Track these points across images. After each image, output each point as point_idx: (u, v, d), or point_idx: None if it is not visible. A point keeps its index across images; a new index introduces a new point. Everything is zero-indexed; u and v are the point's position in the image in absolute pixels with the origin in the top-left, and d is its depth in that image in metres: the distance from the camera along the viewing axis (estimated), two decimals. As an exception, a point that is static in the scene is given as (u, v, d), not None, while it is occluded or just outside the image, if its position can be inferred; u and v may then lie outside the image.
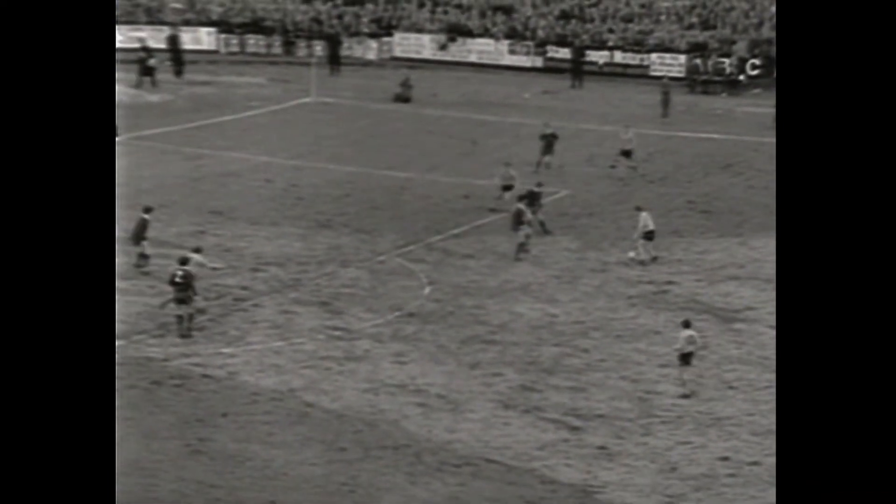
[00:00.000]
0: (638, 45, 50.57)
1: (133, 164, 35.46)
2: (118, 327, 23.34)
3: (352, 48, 53.77)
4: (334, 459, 19.27)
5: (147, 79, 46.43)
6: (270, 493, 18.28)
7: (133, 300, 25.10)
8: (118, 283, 25.30)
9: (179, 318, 23.82)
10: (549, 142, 35.22)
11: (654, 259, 28.51)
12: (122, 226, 23.69)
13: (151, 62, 46.81)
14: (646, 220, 28.62)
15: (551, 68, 50.65)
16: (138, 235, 27.28)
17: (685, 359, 22.09)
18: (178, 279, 23.91)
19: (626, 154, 35.49)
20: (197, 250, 25.69)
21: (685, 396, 21.87)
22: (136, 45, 48.04)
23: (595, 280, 27.72)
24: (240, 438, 19.81)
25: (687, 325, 22.56)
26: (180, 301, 23.82)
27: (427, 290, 26.89)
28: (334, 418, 20.67)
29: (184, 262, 24.29)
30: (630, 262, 28.56)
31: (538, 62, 51.50)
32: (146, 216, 27.56)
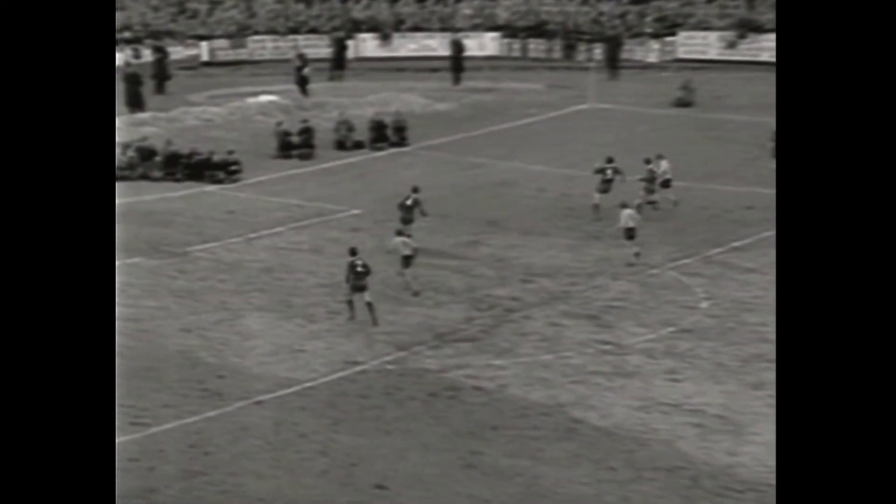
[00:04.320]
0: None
1: (418, 175, 36.92)
2: (399, 339, 24.75)
3: (632, 50, 53.68)
4: (604, 479, 19.40)
5: (300, 88, 47.53)
6: (540, 510, 18.65)
7: (412, 311, 26.24)
8: (401, 295, 26.80)
9: (350, 303, 25.33)
10: None
11: (637, 255, 29.07)
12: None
13: (306, 71, 47.87)
14: (626, 218, 29.33)
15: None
16: (408, 216, 29.61)
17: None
18: (358, 268, 25.25)
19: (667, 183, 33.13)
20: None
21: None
22: (292, 57, 49.62)
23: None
24: (509, 453, 20.27)
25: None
26: (361, 289, 25.24)
27: (704, 304, 26.74)
28: (604, 436, 20.81)
29: (354, 252, 25.79)
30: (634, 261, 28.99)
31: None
32: (417, 195, 29.89)
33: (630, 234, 29.17)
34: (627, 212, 29.43)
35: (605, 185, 32.62)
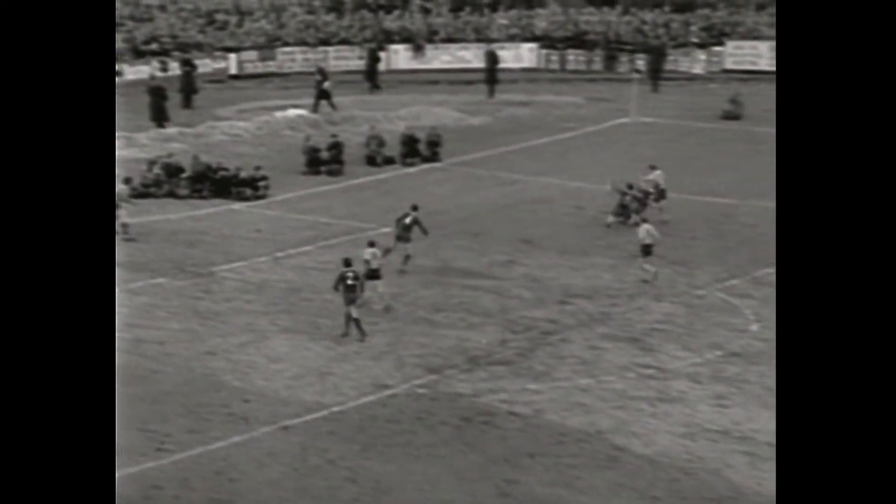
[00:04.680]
0: None
1: (451, 192, 36.92)
2: (430, 361, 24.68)
3: (677, 61, 53.47)
4: (647, 509, 19.35)
5: (323, 102, 47.46)
6: (578, 542, 18.55)
7: (444, 333, 26.16)
8: (432, 317, 26.74)
9: (353, 319, 25.43)
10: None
11: (643, 278, 28.83)
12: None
13: (326, 85, 47.82)
14: (644, 234, 29.07)
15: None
16: (404, 234, 29.62)
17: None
18: (349, 281, 25.51)
19: (661, 195, 33.29)
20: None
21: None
22: (313, 70, 50.01)
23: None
24: (546, 482, 20.15)
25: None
26: (351, 302, 25.52)
27: (754, 327, 26.51)
28: (646, 464, 20.67)
29: (348, 263, 25.88)
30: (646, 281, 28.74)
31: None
32: (416, 213, 29.82)
33: (647, 250, 29.18)
34: (646, 227, 29.51)
35: (621, 210, 32.71)
